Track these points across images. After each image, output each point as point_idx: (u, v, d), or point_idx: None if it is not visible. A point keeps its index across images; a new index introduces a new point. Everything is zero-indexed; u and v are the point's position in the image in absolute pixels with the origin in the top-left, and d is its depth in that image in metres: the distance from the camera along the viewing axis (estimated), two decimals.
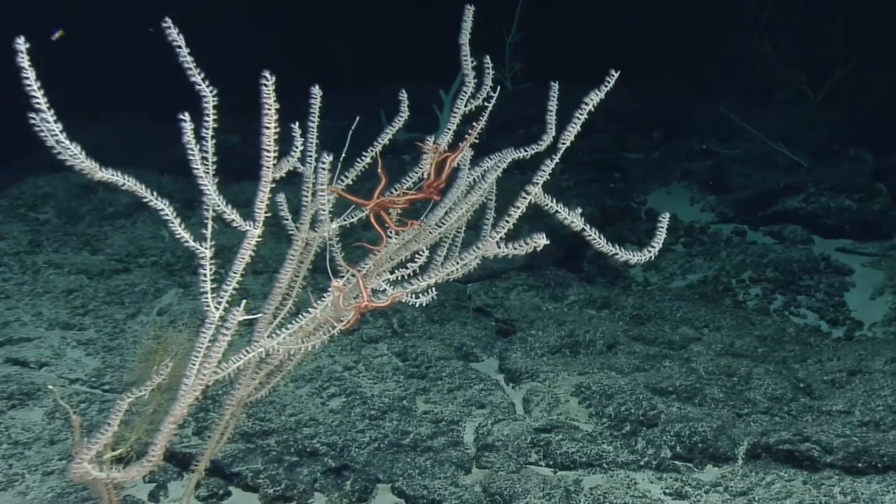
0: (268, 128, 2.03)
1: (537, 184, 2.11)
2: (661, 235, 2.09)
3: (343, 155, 2.53)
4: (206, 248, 2.10)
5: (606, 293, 5.44)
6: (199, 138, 2.07)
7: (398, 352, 4.52)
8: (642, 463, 3.70)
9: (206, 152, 2.04)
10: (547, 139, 2.25)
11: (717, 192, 7.75)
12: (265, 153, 2.07)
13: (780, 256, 6.35)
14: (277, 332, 2.22)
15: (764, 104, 9.16)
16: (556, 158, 2.12)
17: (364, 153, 2.51)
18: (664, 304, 5.32)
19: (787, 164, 7.80)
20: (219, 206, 2.07)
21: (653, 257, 2.09)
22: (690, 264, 6.38)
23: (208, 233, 2.12)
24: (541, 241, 2.02)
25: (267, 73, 1.95)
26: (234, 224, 2.10)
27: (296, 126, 2.24)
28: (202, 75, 1.93)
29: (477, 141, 2.47)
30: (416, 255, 2.33)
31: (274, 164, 2.11)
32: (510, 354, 4.60)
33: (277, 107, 2.03)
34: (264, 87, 1.96)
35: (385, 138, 2.50)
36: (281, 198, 2.48)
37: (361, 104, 10.08)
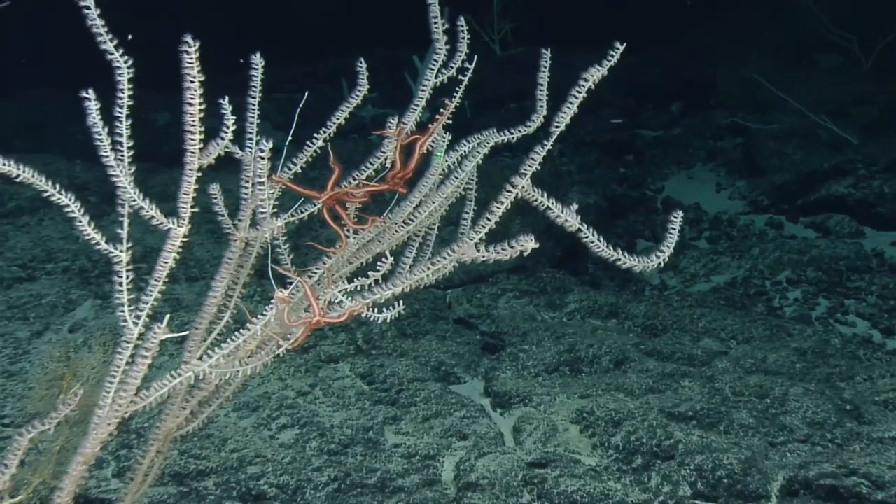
0: (191, 104, 2.03)
1: (525, 174, 2.11)
2: (673, 236, 2.10)
3: (290, 137, 2.53)
4: (122, 252, 2.10)
5: (614, 299, 5.47)
6: (113, 117, 2.07)
7: (363, 373, 4.52)
8: (657, 503, 3.72)
9: (121, 135, 2.04)
10: (537, 120, 2.26)
11: (749, 175, 7.80)
12: (188, 136, 2.07)
13: (824, 253, 6.40)
14: (211, 352, 2.22)
15: (805, 69, 9.23)
16: (548, 145, 2.13)
17: (317, 134, 2.51)
18: (683, 311, 5.36)
19: (833, 141, 7.84)
20: (134, 199, 2.07)
21: (662, 264, 2.11)
22: (716, 263, 6.42)
23: (124, 232, 2.12)
24: (529, 243, 2.02)
25: (189, 39, 1.95)
26: (155, 222, 2.10)
27: (225, 101, 2.24)
28: (115, 42, 1.93)
29: (450, 121, 2.47)
30: (380, 259, 2.34)
31: (200, 149, 2.10)
32: (498, 374, 4.62)
33: (202, 79, 2.04)
34: (186, 56, 1.96)
35: (341, 116, 2.50)
36: (215, 189, 2.47)
37: (335, 72, 10.09)
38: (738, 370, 4.64)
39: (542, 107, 2.24)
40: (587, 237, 2.12)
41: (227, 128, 2.22)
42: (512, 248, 2.07)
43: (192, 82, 2.00)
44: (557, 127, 2.13)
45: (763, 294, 6.03)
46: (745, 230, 7.05)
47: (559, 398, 4.33)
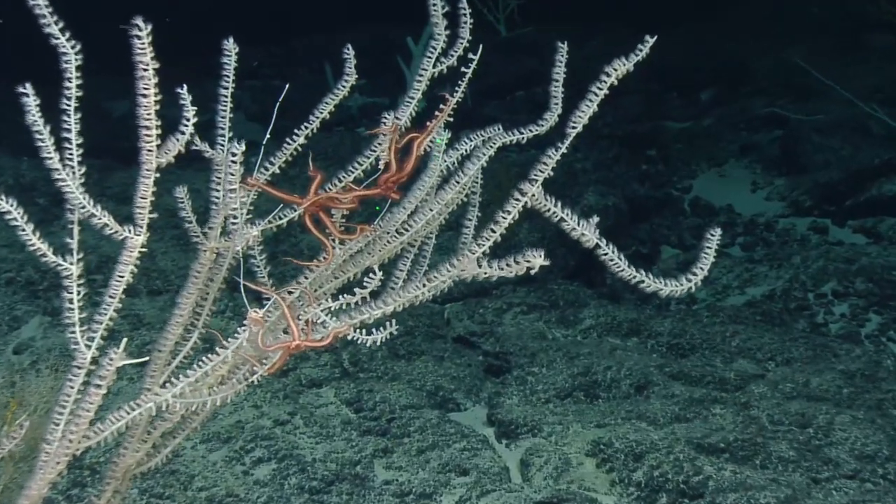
0: (145, 95, 2.03)
1: (535, 181, 2.11)
2: (708, 256, 2.09)
3: (268, 133, 2.53)
4: (72, 263, 2.10)
5: (635, 315, 5.48)
6: (61, 111, 2.07)
7: (349, 399, 4.53)
8: None
9: (69, 131, 2.04)
10: (550, 119, 2.26)
11: (789, 173, 7.80)
12: (144, 132, 2.07)
13: (876, 262, 6.40)
14: (176, 378, 2.22)
15: (853, 51, 9.24)
16: (563, 148, 2.13)
17: (298, 129, 2.51)
18: (714, 328, 5.37)
19: (886, 133, 7.84)
20: (84, 205, 2.07)
21: (693, 288, 2.11)
22: (751, 273, 6.43)
23: (74, 242, 2.12)
24: (537, 259, 2.03)
25: (139, 23, 1.95)
26: (108, 230, 2.10)
27: (184, 91, 2.24)
28: (61, 24, 1.93)
29: (450, 115, 2.48)
30: (369, 274, 2.34)
31: (157, 146, 2.11)
32: (503, 400, 4.62)
33: (157, 66, 2.04)
34: (137, 41, 1.96)
35: (326, 109, 2.51)
36: (181, 192, 2.48)
37: (318, 53, 10.08)
38: (776, 396, 4.65)
39: (556, 104, 2.24)
40: (606, 254, 2.12)
41: (188, 121, 2.21)
42: (518, 263, 2.07)
43: (145, 70, 2.00)
44: (574, 128, 2.13)
45: (805, 309, 6.04)
46: (784, 235, 7.06)
47: (573, 427, 4.33)
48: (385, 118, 2.43)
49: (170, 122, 2.19)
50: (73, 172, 2.11)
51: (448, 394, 4.69)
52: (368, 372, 4.80)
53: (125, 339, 2.05)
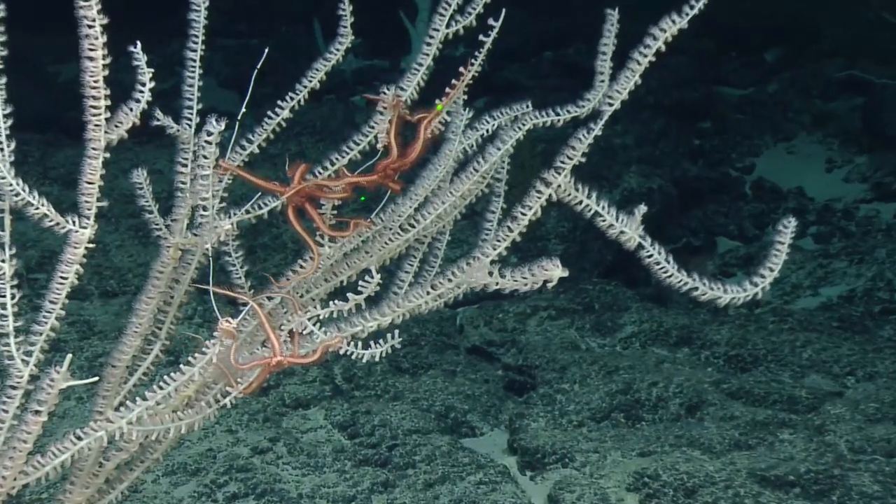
0: (91, 58, 2.02)
1: (563, 169, 2.10)
2: (780, 254, 2.08)
3: (244, 104, 2.53)
4: (3, 262, 2.10)
5: (686, 320, 5.46)
6: None
7: (343, 422, 4.52)
8: None
9: None
10: (593, 99, 2.25)
11: (872, 149, 7.77)
12: (90, 103, 2.06)
13: None
14: (133, 401, 2.21)
15: None
16: (596, 129, 2.11)
17: (281, 99, 2.51)
18: (782, 337, 5.35)
19: None
20: (17, 191, 2.06)
21: (759, 295, 2.09)
22: (826, 270, 6.41)
23: (6, 234, 2.12)
24: (555, 270, 2.02)
25: None
26: (48, 221, 2.09)
27: (137, 49, 2.22)
28: None
29: (470, 83, 2.48)
30: (365, 278, 2.34)
31: (105, 120, 2.10)
32: (527, 423, 4.61)
33: (105, 21, 2.02)
34: None
35: (315, 76, 2.50)
36: (140, 176, 2.47)
37: (304, 7, 10.07)
38: (857, 418, 4.63)
39: (602, 81, 2.23)
40: (650, 256, 2.11)
41: (143, 87, 2.20)
42: (533, 275, 2.07)
43: (90, 26, 1.98)
44: (610, 105, 2.12)
45: (891, 313, 6.01)
46: (866, 224, 7.03)
47: (611, 456, 4.33)
48: (385, 91, 2.41)
49: (126, 89, 2.18)
50: (1, 150, 2.09)
51: (461, 416, 4.68)
52: (365, 390, 4.79)
53: (70, 355, 2.04)
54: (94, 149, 2.11)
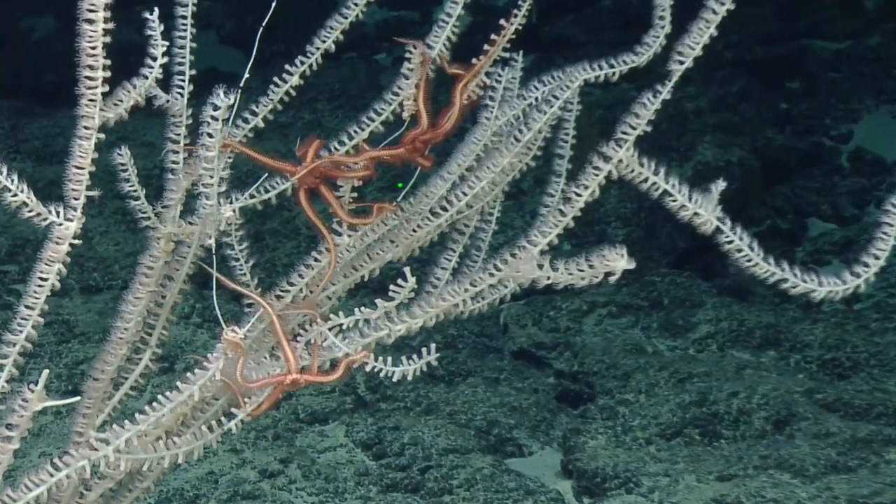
0: (90, 20, 2.01)
1: (625, 141, 2.09)
2: (885, 239, 2.05)
3: (249, 65, 2.53)
4: None
5: (772, 318, 5.45)
6: None
7: (366, 440, 4.54)
8: None
9: None
10: (653, 44, 2.23)
11: None
12: (86, 73, 2.05)
13: None
14: (119, 419, 2.21)
15: None
16: (664, 92, 2.09)
17: (293, 60, 2.50)
18: (886, 337, 5.34)
19: None
20: None
21: (862, 287, 2.07)
22: None
23: None
24: (619, 261, 2.01)
25: None
26: (28, 213, 2.09)
27: (153, 16, 2.22)
28: None
29: (514, 38, 2.46)
30: (398, 281, 2.34)
31: (103, 95, 2.08)
32: (585, 441, 4.62)
33: None
34: None
35: (335, 30, 2.49)
36: (124, 156, 2.46)
37: None
38: None
39: (662, 20, 2.21)
40: (731, 241, 2.09)
41: (154, 61, 2.20)
42: (592, 267, 2.05)
43: None
44: (681, 62, 2.10)
45: None
46: None
47: (684, 480, 4.33)
48: (410, 49, 2.40)
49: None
50: None
51: (506, 432, 4.68)
52: (393, 401, 4.80)
53: (46, 371, 2.04)
54: (86, 128, 2.10)
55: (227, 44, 9.01)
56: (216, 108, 2.16)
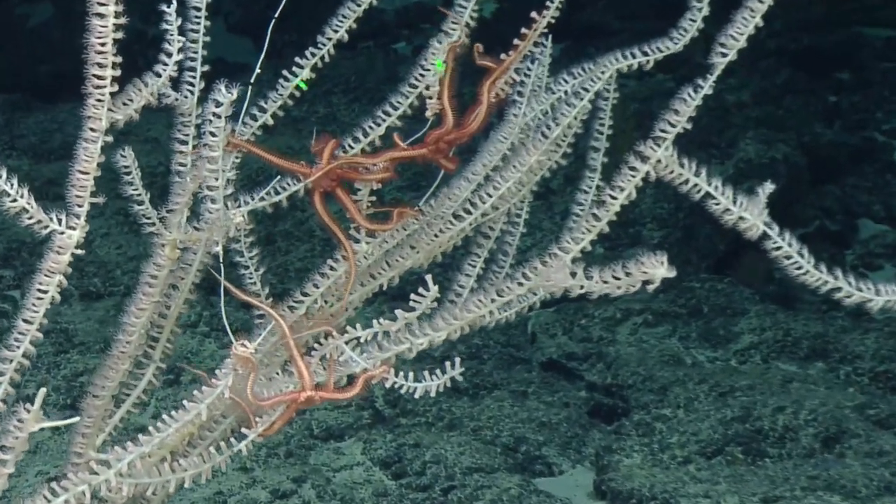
0: (100, 14, 2.01)
1: (664, 140, 2.08)
2: None
3: (262, 56, 2.53)
4: None
5: (820, 327, 5.44)
6: None
7: (385, 458, 4.54)
8: None
9: None
10: (690, 28, 2.22)
11: None
12: (94, 70, 2.05)
13: None
14: (121, 439, 2.21)
15: None
16: (706, 87, 2.09)
17: (307, 52, 2.50)
18: None
19: None
20: None
21: None
22: None
23: None
24: (658, 268, 2.00)
25: None
26: (28, 219, 2.08)
27: (171, 8, 2.22)
28: None
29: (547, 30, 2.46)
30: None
31: (114, 94, 2.08)
32: (619, 459, 4.62)
33: None
34: None
35: (350, 17, 2.48)
36: (127, 157, 2.46)
37: None
38: None
39: (700, 7, 2.20)
40: (780, 247, 2.08)
41: (169, 58, 2.20)
42: (629, 275, 2.04)
43: None
44: (723, 54, 2.10)
45: None
46: None
47: (726, 502, 4.31)
48: (435, 43, 2.39)
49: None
50: None
51: (534, 449, 4.68)
52: (413, 416, 4.79)
53: (43, 389, 2.04)
54: (92, 129, 2.09)
55: (235, 32, 9.02)
56: (219, 104, 2.15)
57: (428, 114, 2.39)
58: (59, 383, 4.77)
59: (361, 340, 2.24)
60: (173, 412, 2.12)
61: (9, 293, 5.32)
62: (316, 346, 2.25)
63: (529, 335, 5.49)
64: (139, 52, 8.46)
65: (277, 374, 2.34)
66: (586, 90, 2.34)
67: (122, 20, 2.01)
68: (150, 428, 2.11)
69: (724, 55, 2.10)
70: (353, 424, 4.70)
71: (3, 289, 5.37)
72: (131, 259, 5.53)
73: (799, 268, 2.08)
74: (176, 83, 2.37)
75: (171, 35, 2.23)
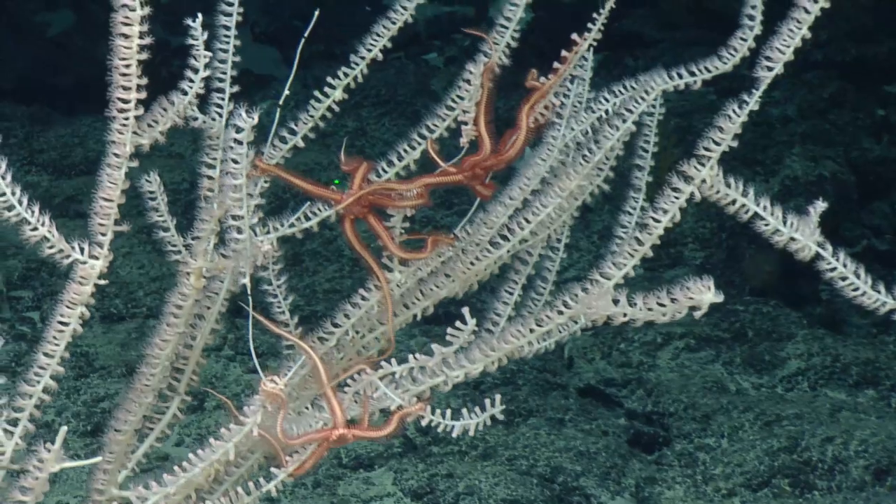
0: (125, 35, 2.00)
1: (707, 159, 2.07)
2: None
3: (292, 71, 2.53)
4: None
5: (870, 352, 5.42)
6: None
7: (417, 488, 4.54)
8: None
9: None
10: (740, 48, 2.20)
11: None
12: (118, 92, 2.04)
13: None
14: (144, 476, 2.21)
15: None
16: (751, 103, 2.07)
17: (339, 72, 2.49)
18: None
19: None
20: (10, 202, 2.05)
21: None
22: None
23: None
24: (706, 294, 1.99)
25: None
26: (49, 248, 2.08)
27: (196, 23, 2.22)
28: None
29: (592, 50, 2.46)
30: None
31: (136, 117, 2.07)
32: (660, 491, 4.62)
33: None
34: None
35: (388, 30, 2.48)
36: (153, 182, 2.45)
37: None
38: None
39: (751, 25, 2.19)
40: (834, 269, 2.07)
41: (195, 74, 2.19)
42: (675, 302, 2.03)
43: None
44: (769, 69, 2.09)
45: None
46: None
47: None
48: (470, 68, 2.38)
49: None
50: None
51: (572, 480, 4.66)
52: (446, 445, 4.78)
53: (64, 427, 2.03)
54: (116, 155, 2.08)
55: (261, 42, 9.02)
56: (240, 129, 2.14)
57: (463, 140, 2.38)
58: (80, 409, 4.76)
59: (397, 375, 2.24)
60: (199, 451, 2.11)
61: (27, 314, 5.33)
62: (349, 381, 2.24)
63: (566, 360, 5.48)
64: (162, 62, 8.51)
65: (307, 407, 2.34)
66: (630, 111, 2.33)
67: (147, 40, 2.01)
68: (176, 467, 2.11)
69: (770, 69, 2.09)
70: (383, 453, 4.69)
71: (22, 310, 5.37)
72: (154, 279, 5.53)
73: (855, 289, 2.07)
74: (203, 100, 2.37)
75: (198, 51, 2.23)
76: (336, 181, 2.44)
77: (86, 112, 7.16)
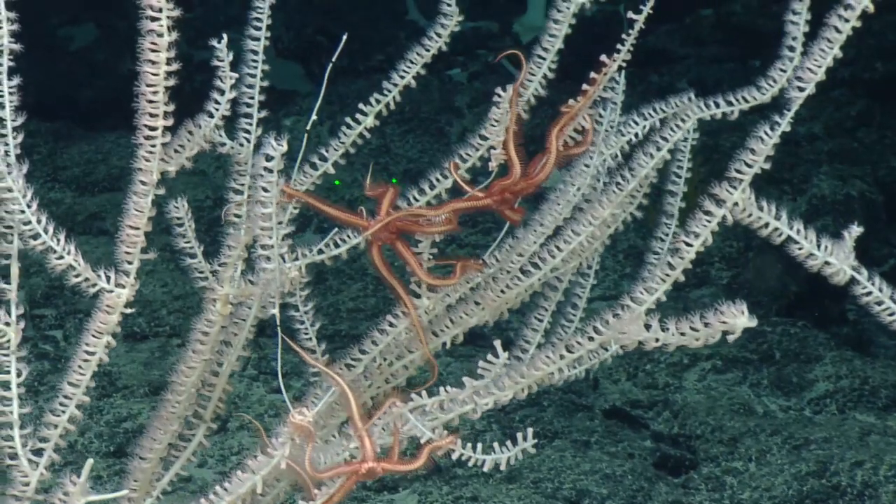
0: (153, 61, 1.99)
1: (740, 182, 2.06)
2: None
3: (322, 91, 2.53)
4: (10, 324, 2.08)
5: None
6: None
7: None
8: None
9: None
10: (779, 80, 2.19)
11: None
12: (145, 119, 2.04)
13: None
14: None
15: None
16: (783, 124, 2.07)
17: (371, 99, 2.50)
18: None
19: None
20: (36, 231, 2.04)
21: None
22: None
23: (12, 288, 2.10)
24: (739, 318, 1.97)
25: None
26: (75, 276, 2.07)
27: (221, 44, 2.22)
28: None
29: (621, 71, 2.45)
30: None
31: (164, 143, 2.07)
32: None
33: (174, 13, 2.01)
34: None
35: (414, 64, 2.50)
36: (180, 208, 2.45)
37: None
38: None
39: (792, 56, 2.18)
40: (870, 293, 2.06)
41: (221, 95, 2.19)
42: (708, 327, 2.02)
43: (154, 18, 1.95)
44: (801, 89, 2.08)
45: None
46: None
47: None
48: (499, 95, 2.39)
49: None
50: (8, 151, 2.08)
51: (598, 503, 4.63)
52: (470, 467, 4.75)
53: (90, 460, 2.02)
54: (143, 183, 2.08)
55: (284, 57, 9.02)
56: (269, 158, 2.13)
57: (492, 165, 2.38)
58: (102, 429, 4.76)
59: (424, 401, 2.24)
60: (226, 483, 2.10)
61: (50, 333, 5.33)
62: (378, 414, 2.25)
63: (592, 381, 5.46)
64: (186, 77, 8.50)
65: (334, 436, 2.33)
66: (665, 139, 2.32)
67: (175, 66, 2.00)
68: (203, 500, 2.10)
69: (802, 89, 2.09)
70: (407, 475, 4.68)
71: (45, 329, 5.37)
72: (177, 298, 5.53)
73: (892, 314, 2.06)
74: (229, 121, 2.37)
75: (223, 72, 2.23)
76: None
77: (109, 127, 7.18)
